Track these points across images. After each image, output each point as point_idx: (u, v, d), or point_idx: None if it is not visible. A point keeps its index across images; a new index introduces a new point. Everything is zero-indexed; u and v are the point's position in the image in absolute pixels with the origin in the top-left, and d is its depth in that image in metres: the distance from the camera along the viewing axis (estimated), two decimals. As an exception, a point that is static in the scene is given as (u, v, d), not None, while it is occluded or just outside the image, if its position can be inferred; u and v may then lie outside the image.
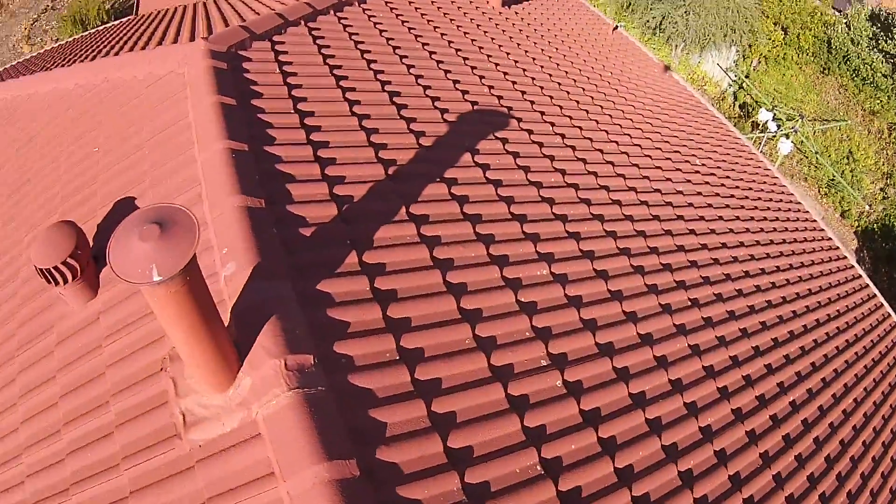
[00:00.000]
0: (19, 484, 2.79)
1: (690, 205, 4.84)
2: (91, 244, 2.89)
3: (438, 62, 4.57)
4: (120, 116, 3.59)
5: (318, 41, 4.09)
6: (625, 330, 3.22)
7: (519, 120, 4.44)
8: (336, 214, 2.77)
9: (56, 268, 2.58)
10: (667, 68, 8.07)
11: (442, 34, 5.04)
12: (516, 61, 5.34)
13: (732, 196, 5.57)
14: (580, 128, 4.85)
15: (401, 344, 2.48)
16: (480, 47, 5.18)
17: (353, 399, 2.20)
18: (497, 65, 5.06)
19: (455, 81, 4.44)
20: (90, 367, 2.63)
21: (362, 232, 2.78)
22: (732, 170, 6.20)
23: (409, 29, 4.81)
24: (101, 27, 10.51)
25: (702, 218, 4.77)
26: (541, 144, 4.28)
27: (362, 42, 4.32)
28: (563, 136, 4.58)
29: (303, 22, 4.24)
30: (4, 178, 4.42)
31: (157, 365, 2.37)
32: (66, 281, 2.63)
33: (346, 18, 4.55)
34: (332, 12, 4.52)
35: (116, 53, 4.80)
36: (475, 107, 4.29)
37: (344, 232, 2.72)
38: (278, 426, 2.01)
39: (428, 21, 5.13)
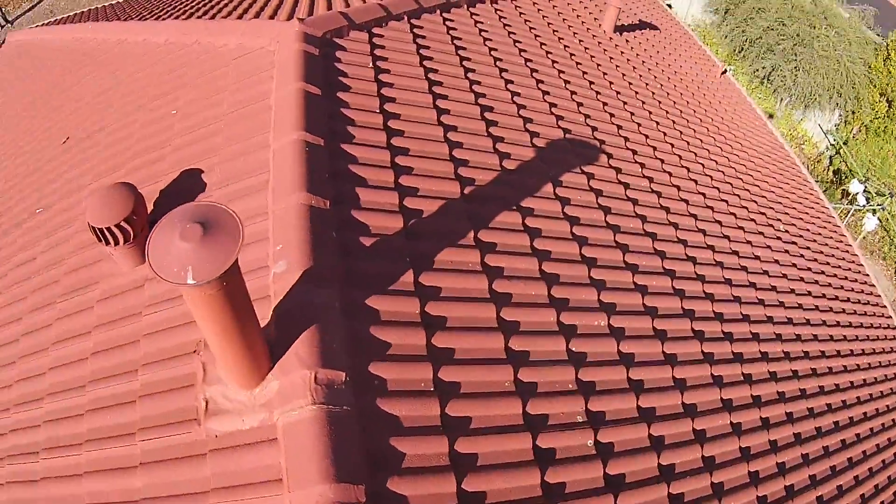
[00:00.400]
0: (35, 426, 3.00)
1: (765, 272, 4.76)
2: (150, 209, 3.07)
3: (538, 81, 4.63)
4: (204, 83, 3.81)
5: (418, 40, 4.21)
6: (670, 397, 3.19)
7: (609, 156, 4.44)
8: (401, 228, 2.86)
9: (109, 228, 2.76)
10: (770, 116, 8.09)
11: (547, 52, 5.09)
12: (618, 92, 5.34)
13: (808, 269, 5.46)
14: (670, 174, 4.81)
15: (438, 375, 2.53)
16: (584, 72, 5.21)
17: (377, 423, 2.26)
18: (598, 93, 5.07)
19: (552, 105, 4.48)
20: (127, 332, 2.81)
21: (424, 250, 2.85)
22: (814, 240, 6.10)
23: (515, 41, 4.90)
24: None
25: (773, 288, 4.67)
26: (626, 186, 4.27)
27: (464, 48, 4.43)
28: (650, 179, 4.55)
29: (406, 17, 4.38)
30: (81, 119, 4.76)
31: (192, 346, 2.50)
32: (117, 242, 2.80)
33: (451, 20, 4.67)
34: (437, 11, 4.66)
35: (212, 17, 5.09)
36: (567, 135, 4.32)
37: (405, 247, 2.80)
38: (296, 436, 2.10)
39: (535, 36, 5.20)
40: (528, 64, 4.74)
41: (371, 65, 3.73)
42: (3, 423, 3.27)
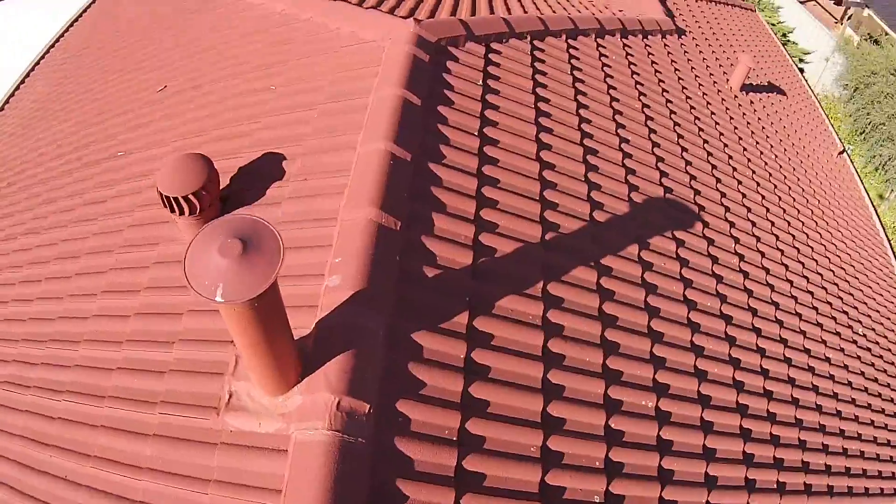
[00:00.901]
0: (66, 367, 3.31)
1: (831, 377, 4.63)
2: (222, 185, 3.31)
3: (651, 131, 4.66)
4: (306, 65, 4.07)
5: (536, 63, 4.34)
6: (695, 494, 3.17)
7: (705, 224, 4.43)
8: (469, 264, 2.98)
9: (176, 198, 3.00)
10: (881, 197, 8.03)
11: (667, 100, 5.11)
12: (730, 157, 5.30)
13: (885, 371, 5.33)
14: (762, 253, 4.74)
15: (465, 426, 2.62)
16: (700, 129, 5.20)
17: (389, 462, 2.37)
18: (709, 154, 5.06)
19: (659, 159, 4.50)
20: (173, 302, 3.06)
21: (487, 293, 2.96)
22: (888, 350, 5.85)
23: (637, 83, 4.94)
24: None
25: (835, 395, 4.56)
26: (714, 260, 4.25)
27: (581, 81, 4.52)
28: (741, 257, 4.51)
29: (529, 37, 4.51)
30: (181, 70, 5.14)
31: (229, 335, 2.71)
32: (182, 213, 3.05)
33: (575, 48, 4.77)
34: (563, 36, 4.76)
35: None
36: (667, 194, 4.33)
37: (468, 286, 2.91)
38: (305, 456, 2.24)
39: (659, 80, 5.23)
40: (644, 110, 4.78)
41: (481, 82, 3.88)
42: (36, 353, 3.59)
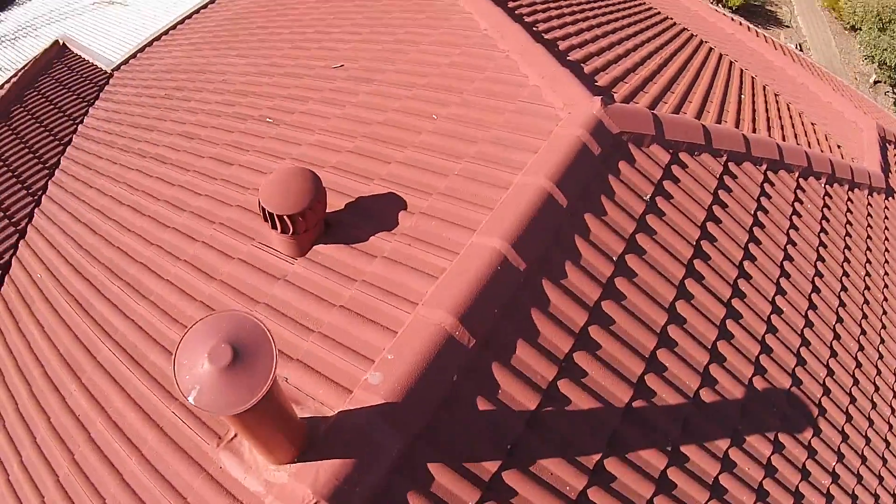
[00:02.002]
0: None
1: None
2: (328, 210, 3.27)
3: (811, 305, 4.08)
4: (478, 107, 3.92)
5: (720, 192, 3.93)
6: None
7: (818, 435, 3.81)
8: (532, 409, 2.68)
9: (275, 215, 2.95)
10: None
11: (867, 273, 4.44)
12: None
13: None
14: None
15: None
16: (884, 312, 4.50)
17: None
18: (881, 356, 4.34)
19: (804, 342, 3.94)
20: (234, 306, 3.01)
21: (534, 447, 2.66)
22: None
23: (821, 244, 4.35)
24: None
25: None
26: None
27: (762, 225, 4.07)
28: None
29: (725, 157, 4.05)
30: (357, 56, 5.10)
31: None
32: (276, 229, 3.01)
33: (771, 184, 4.29)
34: (763, 166, 4.27)
35: (545, 32, 5.09)
36: (793, 387, 3.75)
37: (517, 432, 2.64)
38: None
39: (867, 248, 4.55)
40: (815, 279, 4.19)
41: (647, 198, 3.50)
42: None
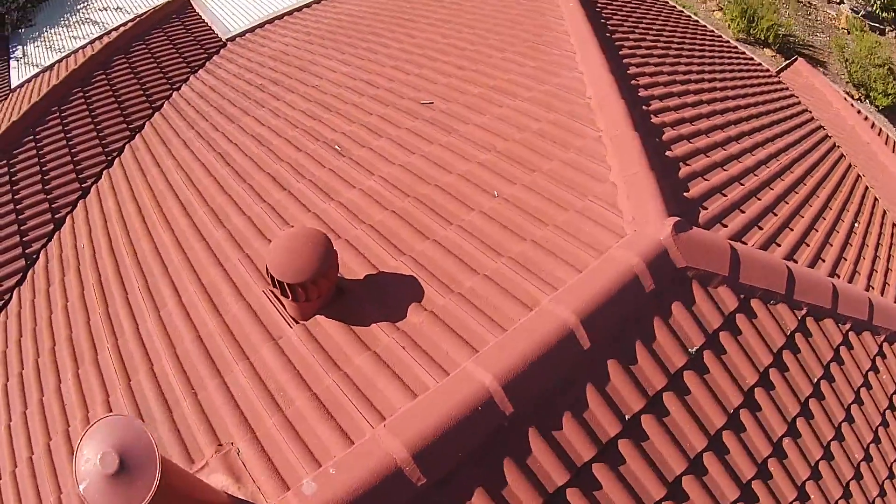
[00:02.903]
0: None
1: None
2: (347, 276, 3.25)
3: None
4: (548, 192, 3.73)
5: (785, 352, 3.53)
6: None
7: None
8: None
9: (280, 281, 2.88)
10: None
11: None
12: None
13: None
14: None
15: None
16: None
17: None
18: None
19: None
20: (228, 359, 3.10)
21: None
22: None
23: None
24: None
25: None
26: None
27: (822, 396, 3.54)
28: None
29: (805, 310, 3.62)
30: (457, 92, 4.91)
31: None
32: (281, 294, 2.97)
33: (850, 347, 3.76)
34: (847, 324, 3.76)
35: (655, 113, 4.68)
36: None
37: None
38: None
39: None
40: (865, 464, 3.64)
41: (693, 351, 3.12)
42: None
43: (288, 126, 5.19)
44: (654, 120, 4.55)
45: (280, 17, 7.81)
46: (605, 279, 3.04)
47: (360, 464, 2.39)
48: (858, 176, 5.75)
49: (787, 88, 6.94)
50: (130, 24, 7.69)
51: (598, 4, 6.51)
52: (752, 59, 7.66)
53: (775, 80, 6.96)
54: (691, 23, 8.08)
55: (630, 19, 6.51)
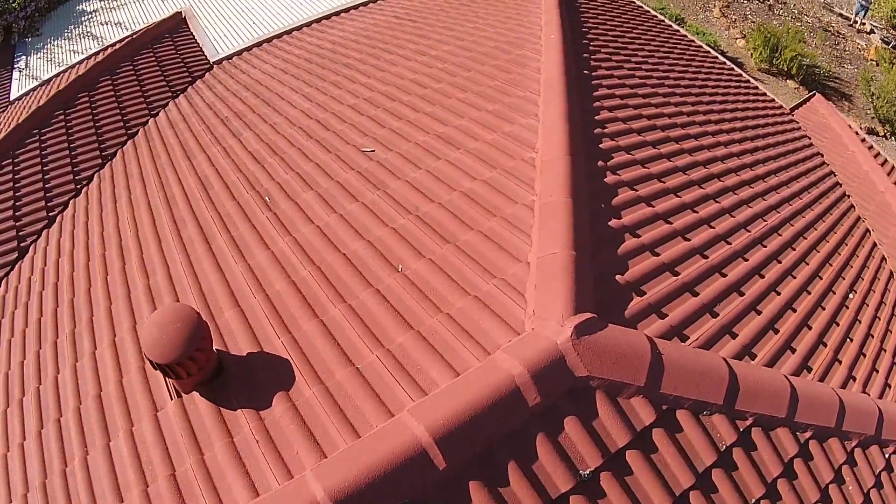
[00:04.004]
0: None
1: None
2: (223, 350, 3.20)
3: None
4: (454, 269, 3.38)
5: (715, 470, 2.98)
6: None
7: None
8: None
9: (160, 365, 2.85)
10: None
11: None
12: None
13: None
14: None
15: None
16: None
17: None
18: None
19: None
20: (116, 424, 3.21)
21: None
22: None
23: None
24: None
25: None
26: None
27: None
28: None
29: (750, 421, 3.12)
30: (392, 141, 4.58)
31: None
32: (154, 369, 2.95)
33: (811, 458, 3.21)
34: (808, 433, 3.23)
35: (614, 169, 4.19)
36: None
37: None
38: None
39: None
40: None
41: (585, 475, 2.70)
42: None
43: (233, 169, 4.93)
44: (610, 178, 4.06)
45: (269, 40, 7.58)
46: (477, 390, 2.62)
47: None
48: (867, 231, 5.09)
49: (799, 128, 6.28)
50: (121, 44, 7.61)
51: (589, 35, 6.02)
52: (763, 94, 6.98)
53: (788, 118, 6.30)
54: (698, 53, 7.45)
55: (622, 53, 5.98)
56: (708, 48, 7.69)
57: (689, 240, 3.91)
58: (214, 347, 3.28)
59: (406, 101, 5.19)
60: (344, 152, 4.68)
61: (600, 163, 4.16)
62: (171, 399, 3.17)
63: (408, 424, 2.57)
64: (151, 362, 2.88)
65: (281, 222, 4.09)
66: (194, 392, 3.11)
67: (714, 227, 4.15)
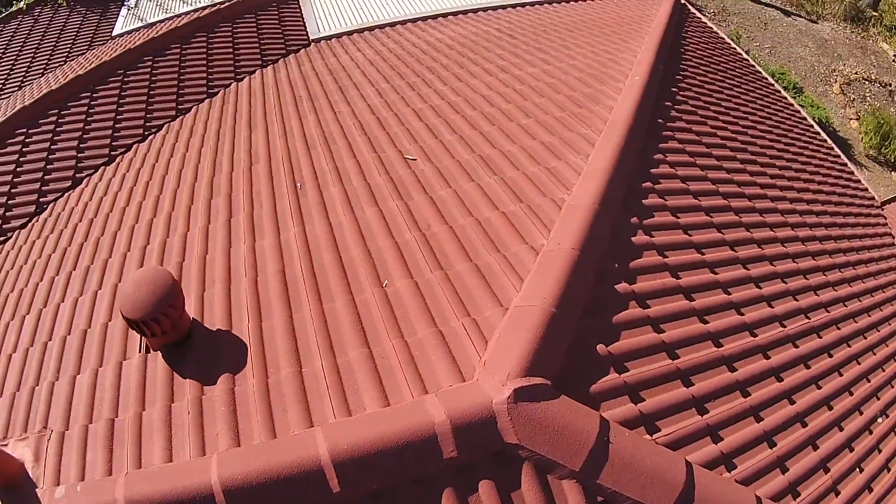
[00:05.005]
0: None
1: None
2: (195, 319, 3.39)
3: None
4: (432, 295, 3.32)
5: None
6: None
7: None
8: None
9: (135, 321, 3.03)
10: None
11: None
12: None
13: None
14: None
15: None
16: None
17: None
18: None
19: None
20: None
21: None
22: None
23: None
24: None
25: None
26: None
27: None
28: None
29: None
30: (435, 153, 4.58)
31: None
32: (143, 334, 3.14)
33: None
34: None
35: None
36: None
37: None
38: None
39: None
40: None
41: None
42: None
43: (283, 150, 5.07)
44: (639, 238, 3.84)
45: (370, 28, 7.71)
46: (393, 427, 2.57)
47: None
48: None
49: (885, 224, 5.71)
50: (227, 4, 7.87)
51: (682, 84, 5.73)
52: (857, 180, 6.40)
53: (875, 210, 5.75)
54: (797, 125, 6.92)
55: (710, 108, 5.67)
56: (813, 122, 7.16)
57: (705, 322, 3.66)
58: (192, 317, 3.41)
59: (469, 115, 5.14)
60: (388, 155, 4.71)
61: (634, 219, 3.94)
62: (139, 353, 3.36)
63: (316, 440, 2.58)
64: (123, 316, 3.07)
65: (300, 212, 4.16)
66: (159, 352, 3.26)
67: (743, 315, 3.86)
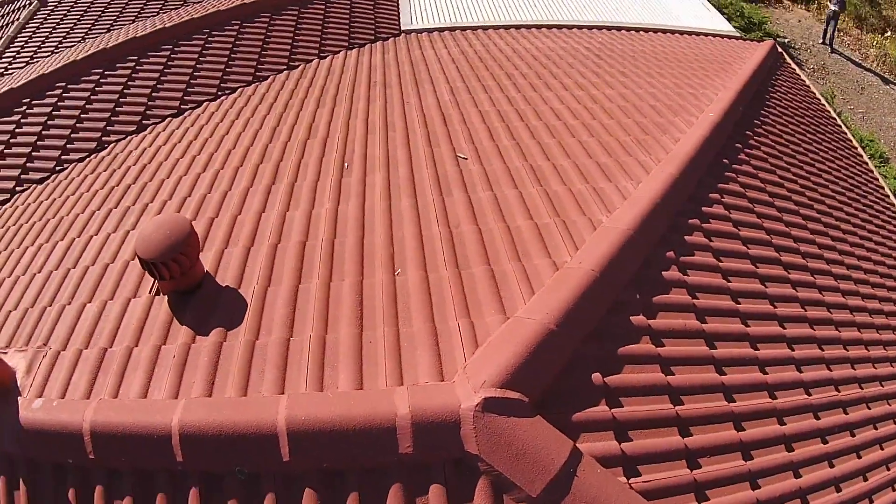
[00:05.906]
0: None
1: None
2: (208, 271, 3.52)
3: None
4: (436, 283, 3.29)
5: None
6: None
7: None
8: None
9: (149, 262, 3.13)
10: None
11: None
12: None
13: None
14: None
15: None
16: None
17: None
18: None
19: None
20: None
21: None
22: None
23: None
24: None
25: None
26: None
27: None
28: None
29: None
30: (489, 155, 4.55)
31: None
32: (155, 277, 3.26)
33: None
34: None
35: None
36: None
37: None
38: None
39: None
40: None
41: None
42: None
43: (342, 132, 5.14)
44: (670, 273, 3.67)
45: (462, 28, 7.73)
46: (355, 410, 2.57)
47: None
48: None
49: None
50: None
51: (759, 129, 5.48)
52: None
53: None
54: (872, 193, 6.48)
55: (783, 159, 5.41)
56: (889, 193, 6.71)
57: (722, 373, 3.46)
58: (206, 270, 3.51)
59: (532, 125, 5.09)
60: (441, 150, 4.71)
61: (670, 253, 3.78)
62: (148, 293, 3.51)
63: (278, 406, 2.62)
64: (136, 255, 3.23)
65: (339, 190, 4.22)
66: (167, 296, 3.39)
67: (766, 374, 3.64)
